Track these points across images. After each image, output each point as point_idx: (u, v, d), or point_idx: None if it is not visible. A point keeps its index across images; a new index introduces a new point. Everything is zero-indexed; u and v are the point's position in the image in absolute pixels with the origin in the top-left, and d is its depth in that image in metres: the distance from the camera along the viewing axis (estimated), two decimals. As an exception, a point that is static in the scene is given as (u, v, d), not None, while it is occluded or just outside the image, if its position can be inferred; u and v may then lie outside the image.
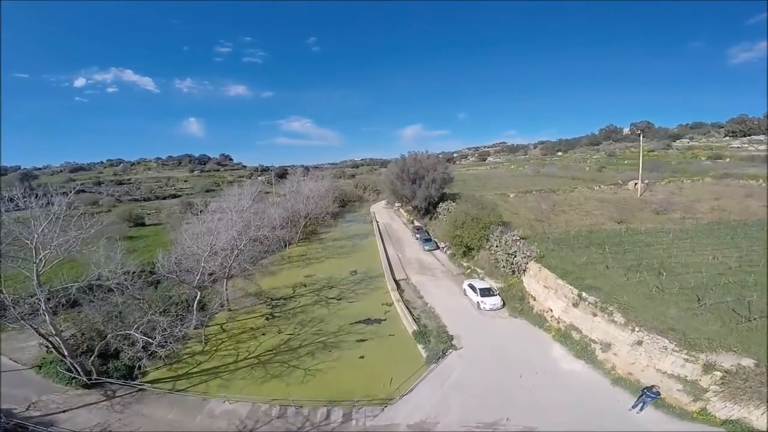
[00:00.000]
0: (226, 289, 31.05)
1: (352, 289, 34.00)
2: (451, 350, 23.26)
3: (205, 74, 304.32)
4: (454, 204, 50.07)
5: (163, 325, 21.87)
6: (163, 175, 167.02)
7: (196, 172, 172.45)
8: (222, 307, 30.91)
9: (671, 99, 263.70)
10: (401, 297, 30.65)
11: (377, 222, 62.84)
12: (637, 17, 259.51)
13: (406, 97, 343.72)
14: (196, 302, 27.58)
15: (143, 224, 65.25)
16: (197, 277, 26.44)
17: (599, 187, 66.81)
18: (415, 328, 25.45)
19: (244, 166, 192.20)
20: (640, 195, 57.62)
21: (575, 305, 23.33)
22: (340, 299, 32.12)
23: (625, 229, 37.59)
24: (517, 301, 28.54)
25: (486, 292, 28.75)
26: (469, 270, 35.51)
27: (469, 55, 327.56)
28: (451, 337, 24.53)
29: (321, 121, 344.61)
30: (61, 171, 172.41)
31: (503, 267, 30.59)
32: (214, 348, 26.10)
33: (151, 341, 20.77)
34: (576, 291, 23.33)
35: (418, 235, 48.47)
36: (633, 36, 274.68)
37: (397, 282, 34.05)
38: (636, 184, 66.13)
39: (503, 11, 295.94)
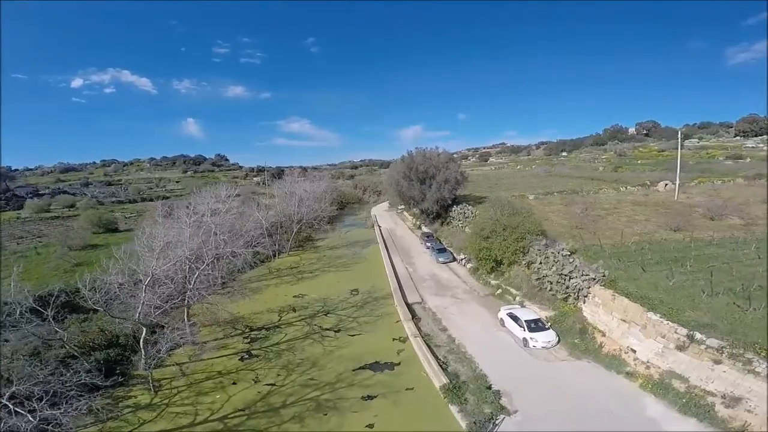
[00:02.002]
0: (188, 320, 23.70)
1: (354, 317, 26.71)
2: (502, 415, 16.09)
3: (203, 75, 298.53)
4: (471, 207, 43.07)
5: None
6: (155, 175, 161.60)
7: (189, 172, 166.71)
8: (186, 340, 23.64)
9: (672, 99, 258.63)
10: (418, 329, 23.43)
11: (379, 227, 55.67)
12: (635, 18, 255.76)
13: (407, 97, 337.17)
14: (142, 340, 20.35)
15: (116, 230, 57.59)
16: (138, 310, 19.11)
17: (626, 188, 60.20)
18: (444, 380, 18.22)
19: (240, 167, 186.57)
20: (677, 197, 50.87)
21: (681, 348, 16.42)
22: (338, 331, 24.83)
23: (687, 238, 30.65)
24: (575, 336, 21.43)
25: (536, 325, 21.61)
26: (499, 290, 28.37)
27: (469, 56, 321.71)
28: (498, 394, 17.33)
29: (320, 121, 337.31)
30: (51, 172, 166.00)
31: (552, 290, 23.49)
32: (167, 400, 19.21)
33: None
34: (683, 330, 16.40)
35: (429, 244, 41.35)
36: (632, 37, 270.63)
37: (410, 307, 26.84)
38: (667, 185, 59.96)
39: (503, 12, 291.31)
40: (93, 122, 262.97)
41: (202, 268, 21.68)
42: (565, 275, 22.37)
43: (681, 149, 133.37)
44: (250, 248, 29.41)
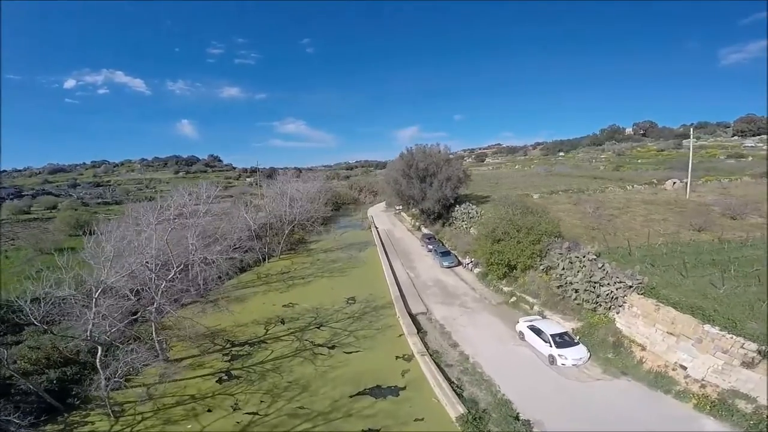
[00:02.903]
0: (156, 336, 20.38)
1: (350, 330, 23.51)
2: (534, 455, 13.10)
3: (197, 76, 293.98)
4: (475, 207, 40.16)
5: None
6: (145, 176, 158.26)
7: (181, 173, 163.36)
8: (154, 358, 20.44)
9: (667, 99, 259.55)
10: (425, 345, 20.34)
11: (377, 228, 52.55)
12: (631, 18, 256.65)
13: (403, 98, 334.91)
14: (98, 359, 17.07)
15: (94, 232, 53.69)
16: (89, 327, 15.82)
17: (632, 186, 57.75)
18: (460, 409, 15.11)
19: (234, 167, 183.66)
20: (688, 196, 48.51)
21: (749, 365, 13.78)
22: (332, 347, 21.62)
23: (715, 239, 28.00)
24: (609, 351, 18.55)
25: (563, 340, 18.64)
26: (513, 298, 25.38)
27: (466, 56, 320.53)
28: (529, 425, 14.36)
29: (316, 122, 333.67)
30: (39, 173, 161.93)
31: (578, 299, 20.55)
32: (128, 428, 16.28)
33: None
34: (752, 345, 13.68)
35: (430, 246, 38.29)
36: (628, 38, 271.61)
37: (414, 318, 23.72)
38: (675, 183, 57.71)
39: (500, 12, 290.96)
40: (86, 123, 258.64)
41: (170, 276, 18.33)
42: (596, 283, 19.42)
43: (681, 148, 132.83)
44: (229, 254, 25.97)
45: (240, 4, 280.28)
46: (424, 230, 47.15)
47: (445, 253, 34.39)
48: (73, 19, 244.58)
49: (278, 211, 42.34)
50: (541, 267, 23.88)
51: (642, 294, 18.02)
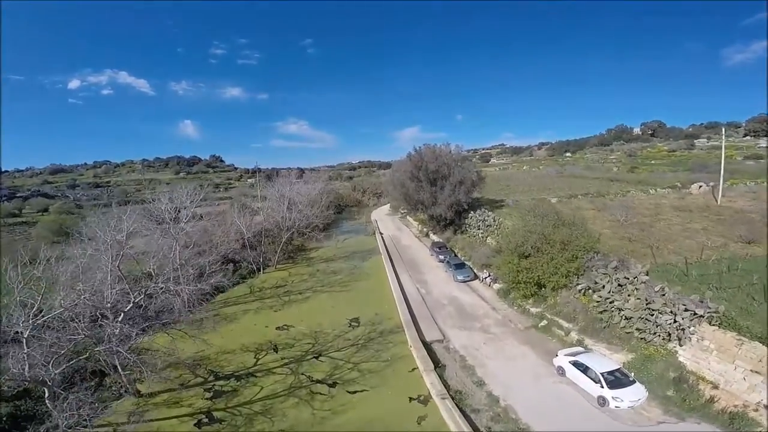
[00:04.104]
0: (124, 371, 17.10)
1: (354, 362, 20.05)
2: None
3: (200, 76, 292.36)
4: (491, 214, 36.68)
5: None
6: (146, 177, 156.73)
7: (182, 174, 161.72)
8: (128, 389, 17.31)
9: (671, 99, 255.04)
10: (445, 385, 16.88)
11: (381, 234, 49.15)
12: (632, 18, 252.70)
13: (405, 98, 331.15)
14: (47, 398, 13.84)
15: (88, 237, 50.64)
16: (24, 366, 12.55)
17: (655, 190, 54.09)
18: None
19: (235, 168, 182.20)
20: (719, 201, 44.82)
21: None
22: (333, 385, 18.18)
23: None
24: (668, 387, 15.18)
25: (617, 378, 15.25)
26: (543, 321, 21.88)
27: (468, 56, 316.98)
28: None
29: (317, 123, 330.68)
30: (40, 173, 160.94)
31: (629, 327, 17.08)
32: None
33: None
34: None
35: (441, 256, 34.81)
36: (630, 37, 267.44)
37: (429, 347, 20.26)
38: (701, 186, 54.03)
39: (500, 12, 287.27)
40: (89, 124, 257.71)
41: (128, 309, 15.00)
42: (657, 311, 15.95)
43: (694, 149, 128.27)
44: (203, 281, 22.52)
45: (242, 5, 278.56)
46: (434, 237, 43.70)
47: (460, 266, 30.87)
48: (77, 20, 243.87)
49: (275, 218, 38.95)
50: (579, 287, 20.40)
51: (717, 325, 14.56)
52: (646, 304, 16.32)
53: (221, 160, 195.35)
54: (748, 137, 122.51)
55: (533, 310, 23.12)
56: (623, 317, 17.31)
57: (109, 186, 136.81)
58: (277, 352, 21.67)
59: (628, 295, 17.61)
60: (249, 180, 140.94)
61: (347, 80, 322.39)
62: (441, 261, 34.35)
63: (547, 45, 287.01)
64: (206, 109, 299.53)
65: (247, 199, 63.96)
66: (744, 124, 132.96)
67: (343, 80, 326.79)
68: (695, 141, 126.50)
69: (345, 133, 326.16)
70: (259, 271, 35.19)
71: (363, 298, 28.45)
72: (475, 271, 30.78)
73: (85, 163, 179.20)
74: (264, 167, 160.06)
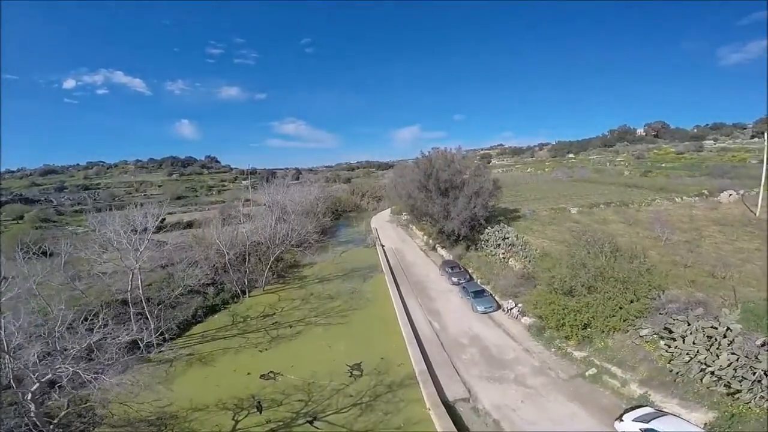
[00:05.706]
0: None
1: (358, 430, 15.62)
2: None
3: (196, 76, 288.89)
4: (510, 229, 32.20)
5: None
6: (137, 179, 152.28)
7: (174, 175, 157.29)
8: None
9: (671, 98, 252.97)
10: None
11: (383, 246, 44.59)
12: (631, 18, 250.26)
13: (403, 97, 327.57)
14: None
15: (49, 253, 44.97)
16: None
17: (681, 198, 49.86)
18: None
19: (231, 169, 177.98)
20: (758, 213, 40.59)
21: None
22: (330, 476, 13.78)
23: None
24: None
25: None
26: (592, 369, 17.44)
27: (467, 55, 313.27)
28: None
29: (315, 122, 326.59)
30: (30, 174, 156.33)
31: (716, 386, 12.77)
32: None
33: None
34: None
35: (455, 278, 30.28)
36: (630, 37, 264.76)
37: (452, 411, 15.81)
38: (731, 195, 49.82)
39: (500, 12, 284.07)
40: (85, 124, 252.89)
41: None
42: (757, 369, 11.67)
43: (702, 151, 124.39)
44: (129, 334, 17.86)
45: (239, 4, 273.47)
46: (443, 252, 39.16)
47: (479, 293, 26.36)
48: (73, 19, 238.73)
49: (265, 233, 34.24)
50: (643, 332, 16.01)
51: None
52: (751, 362, 12.02)
53: (216, 161, 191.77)
54: (756, 138, 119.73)
55: (577, 354, 18.73)
56: (710, 373, 13.02)
57: (98, 188, 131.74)
58: (261, 413, 17.23)
59: (718, 348, 13.31)
60: (244, 182, 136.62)
61: (346, 80, 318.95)
62: (454, 284, 29.87)
63: (547, 44, 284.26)
64: (203, 109, 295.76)
65: (239, 204, 59.33)
66: (751, 125, 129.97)
67: (341, 80, 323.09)
68: (703, 143, 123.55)
69: (343, 132, 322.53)
70: (244, 294, 30.61)
71: (365, 334, 23.93)
72: (497, 298, 26.35)
73: (78, 164, 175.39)
74: (261, 168, 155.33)
